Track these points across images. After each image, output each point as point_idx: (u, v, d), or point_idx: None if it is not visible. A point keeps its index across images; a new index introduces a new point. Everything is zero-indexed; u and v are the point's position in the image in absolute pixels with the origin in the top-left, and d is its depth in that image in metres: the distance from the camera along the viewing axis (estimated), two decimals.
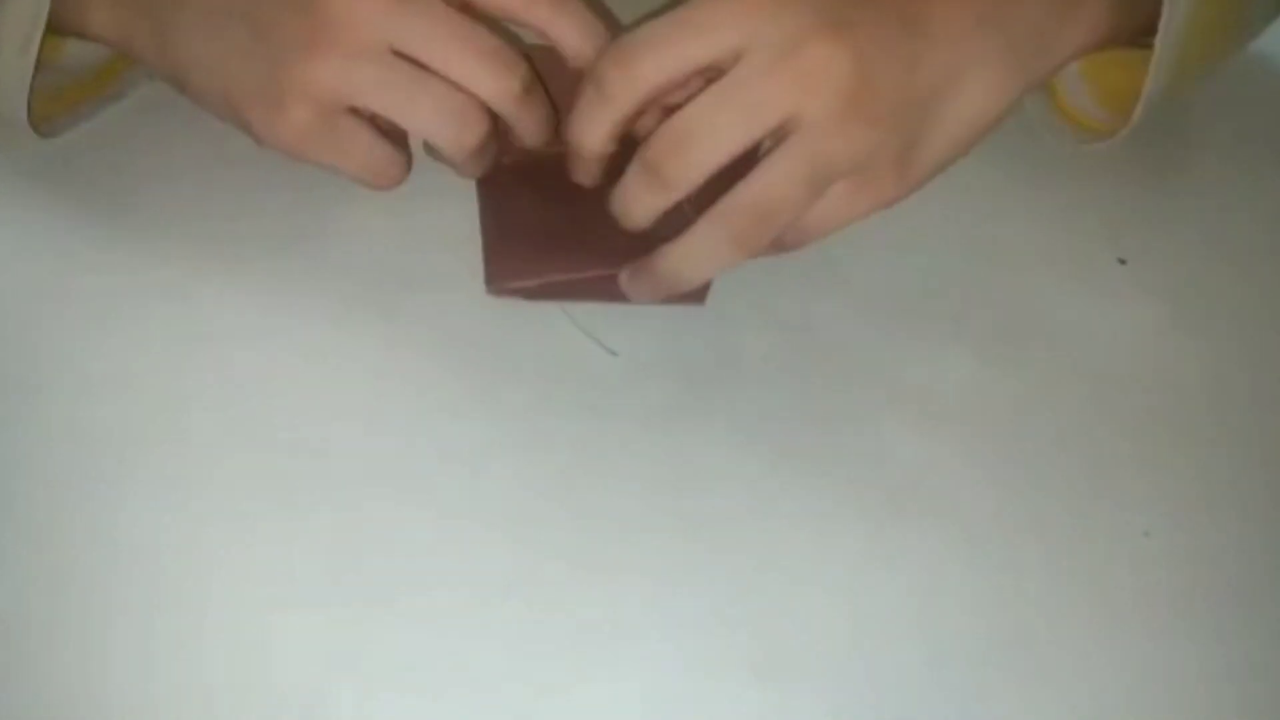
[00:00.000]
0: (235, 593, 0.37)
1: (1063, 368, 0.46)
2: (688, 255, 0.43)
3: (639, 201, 0.42)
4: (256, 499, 0.39)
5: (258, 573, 0.37)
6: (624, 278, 0.45)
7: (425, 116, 0.43)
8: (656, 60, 0.41)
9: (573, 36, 0.44)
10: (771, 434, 0.43)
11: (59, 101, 0.48)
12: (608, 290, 0.45)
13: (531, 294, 0.45)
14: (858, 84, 0.40)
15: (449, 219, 0.47)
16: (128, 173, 0.48)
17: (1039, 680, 0.38)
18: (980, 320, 0.47)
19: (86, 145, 0.49)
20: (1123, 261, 0.50)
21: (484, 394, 0.43)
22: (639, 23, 0.42)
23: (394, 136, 0.45)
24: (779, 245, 0.44)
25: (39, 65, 0.44)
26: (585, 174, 0.45)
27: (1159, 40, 0.46)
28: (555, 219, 0.47)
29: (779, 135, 0.41)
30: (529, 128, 0.45)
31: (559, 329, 0.45)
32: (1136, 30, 0.48)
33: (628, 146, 0.43)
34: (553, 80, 0.46)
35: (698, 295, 0.46)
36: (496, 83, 0.43)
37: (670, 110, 0.42)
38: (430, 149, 0.46)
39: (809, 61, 0.40)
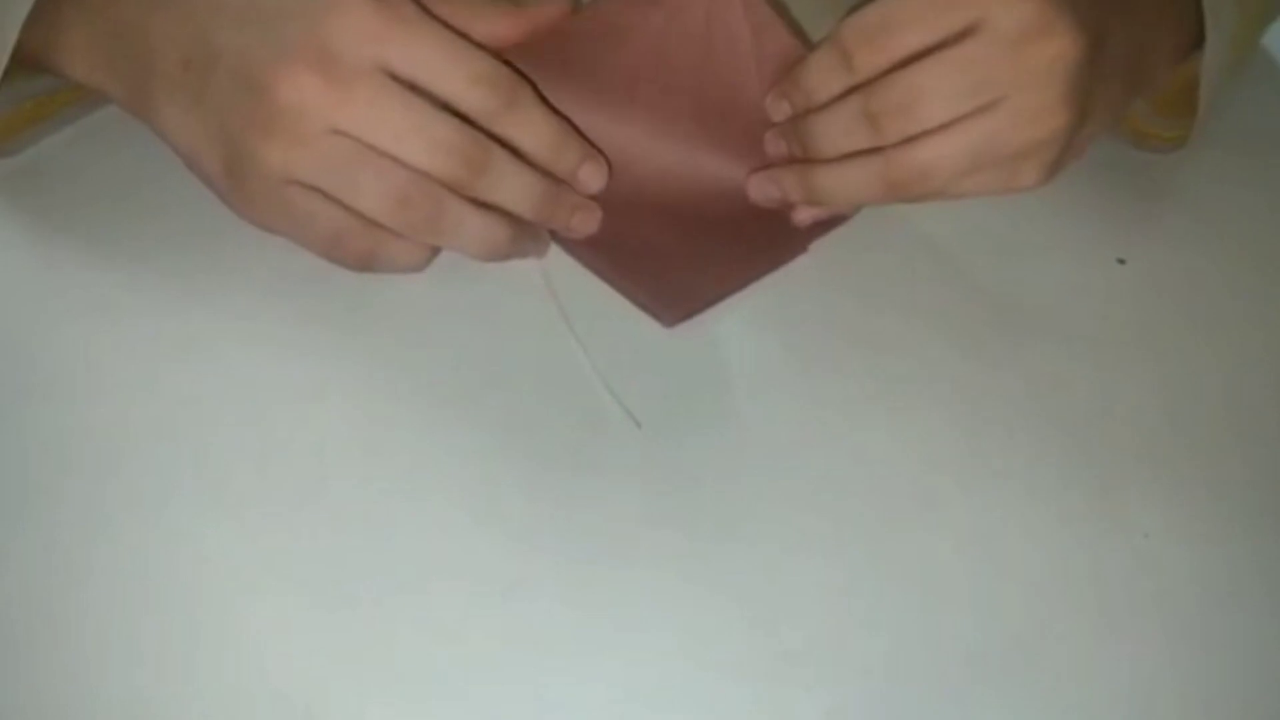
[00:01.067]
0: (235, 593, 0.37)
1: (1062, 368, 0.46)
2: (842, 181, 0.46)
3: (847, 139, 0.45)
4: (256, 501, 0.39)
5: (258, 573, 0.38)
6: (755, 179, 0.49)
7: (367, 197, 0.42)
8: (903, 41, 0.44)
9: (530, 143, 0.45)
10: (768, 435, 0.43)
11: (28, 115, 0.48)
12: (758, 273, 0.47)
13: (698, 311, 0.46)
14: (1076, 80, 0.44)
15: None
16: (126, 172, 0.48)
17: (1039, 681, 0.38)
18: (980, 320, 0.47)
19: (84, 145, 0.49)
20: (1122, 261, 0.50)
21: (482, 396, 0.43)
22: None
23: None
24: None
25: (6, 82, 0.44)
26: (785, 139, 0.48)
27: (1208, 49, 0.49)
28: (677, 235, 0.48)
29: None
30: (497, 196, 0.44)
31: (558, 332, 0.45)
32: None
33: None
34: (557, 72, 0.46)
35: (802, 244, 0.48)
36: (439, 167, 0.42)
37: None
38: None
39: (1038, 55, 0.44)
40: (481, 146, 0.43)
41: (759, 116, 0.48)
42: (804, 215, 0.48)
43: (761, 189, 0.49)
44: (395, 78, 0.42)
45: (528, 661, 0.36)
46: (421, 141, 0.42)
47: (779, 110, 0.48)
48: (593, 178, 0.47)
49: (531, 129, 0.45)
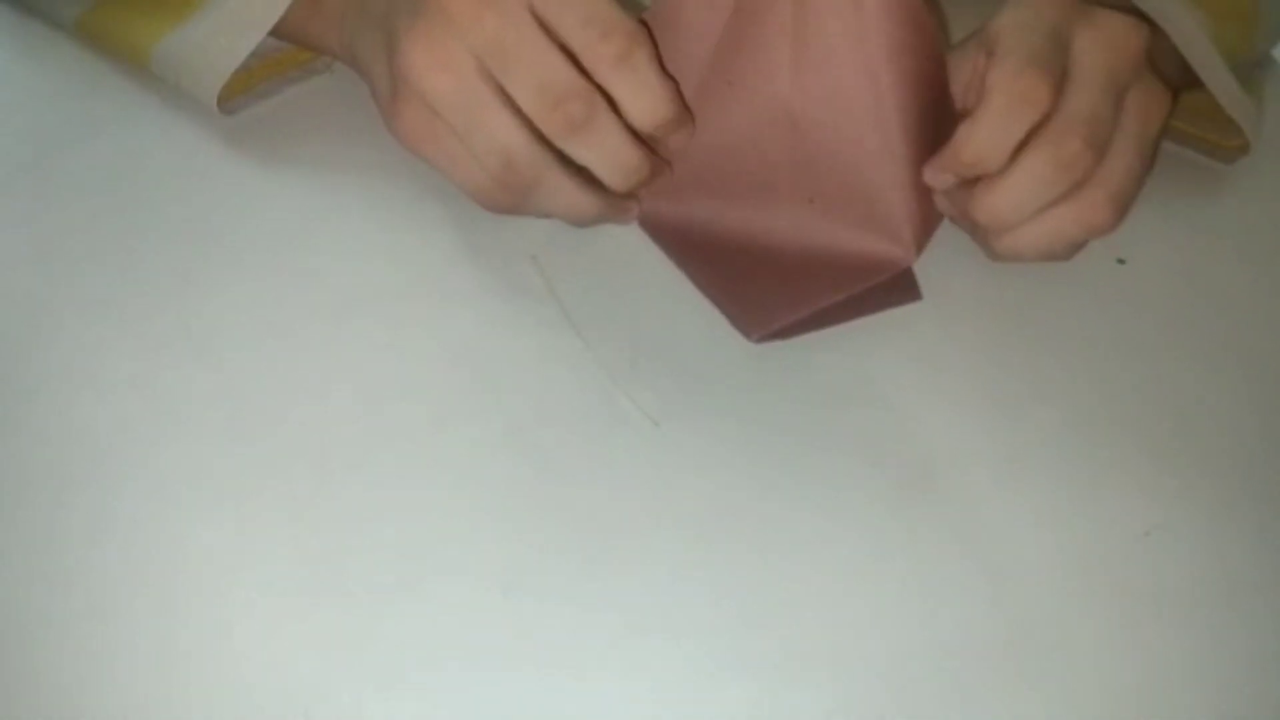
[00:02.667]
0: (235, 593, 0.37)
1: (1062, 367, 0.46)
2: (1022, 185, 0.44)
3: (1047, 194, 0.44)
4: (256, 500, 0.39)
5: (258, 573, 0.38)
6: (939, 199, 0.47)
7: (480, 144, 0.43)
8: (1059, 70, 0.44)
9: (635, 105, 0.44)
10: (770, 434, 0.43)
11: (244, 80, 0.50)
12: (853, 309, 0.46)
13: (789, 331, 0.45)
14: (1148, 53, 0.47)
15: (450, 225, 0.47)
16: (124, 172, 0.48)
17: (1038, 680, 0.37)
18: (980, 319, 0.47)
19: (82, 144, 0.49)
20: (1122, 261, 0.50)
21: (483, 395, 0.43)
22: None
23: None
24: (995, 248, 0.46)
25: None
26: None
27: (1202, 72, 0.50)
28: (770, 250, 0.47)
29: None
30: (588, 157, 0.44)
31: (558, 332, 0.45)
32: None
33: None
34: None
35: (913, 290, 0.47)
36: (538, 110, 0.42)
37: None
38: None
39: (1130, 51, 0.46)
40: (588, 103, 0.43)
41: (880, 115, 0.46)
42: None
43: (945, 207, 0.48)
44: (538, 17, 0.42)
45: (529, 660, 0.36)
46: (530, 81, 0.42)
47: (941, 181, 0.46)
48: (680, 141, 0.46)
49: (637, 89, 0.43)
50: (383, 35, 0.45)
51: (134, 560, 0.37)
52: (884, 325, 0.46)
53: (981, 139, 0.44)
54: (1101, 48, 0.45)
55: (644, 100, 0.43)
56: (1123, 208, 0.45)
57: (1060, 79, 0.44)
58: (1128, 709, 0.37)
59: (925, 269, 0.48)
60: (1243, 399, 0.46)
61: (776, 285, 0.46)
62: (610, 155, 0.44)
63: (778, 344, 0.45)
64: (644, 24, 0.45)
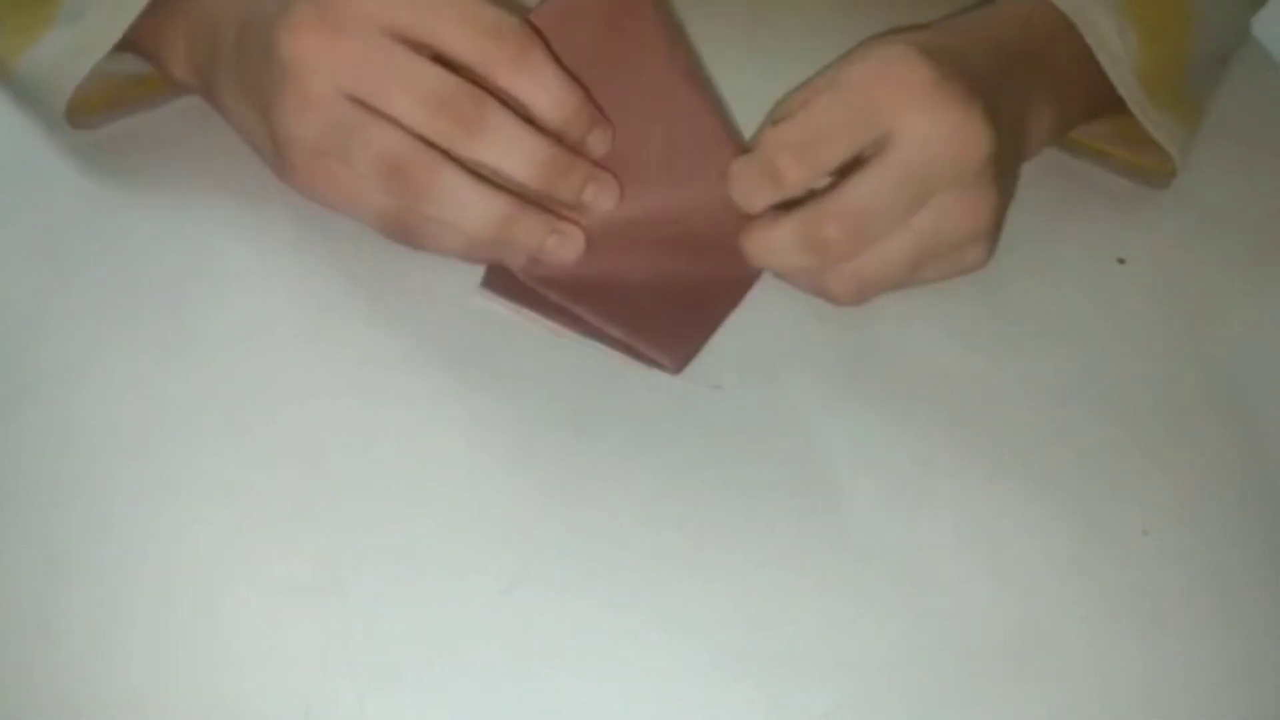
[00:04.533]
0: (234, 594, 0.37)
1: (1062, 366, 0.46)
2: (767, 246, 0.44)
3: (792, 259, 0.44)
4: (255, 502, 0.39)
5: (257, 574, 0.38)
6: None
7: (360, 162, 0.42)
8: (828, 155, 0.43)
9: (542, 100, 0.42)
10: (767, 434, 0.43)
11: (104, 93, 0.48)
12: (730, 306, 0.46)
13: (696, 350, 0.45)
14: (995, 165, 0.44)
15: None
16: (124, 174, 0.48)
17: (1038, 679, 0.38)
18: (981, 319, 0.47)
19: (81, 146, 0.49)
20: (1122, 261, 0.50)
21: (480, 399, 0.43)
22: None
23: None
24: (831, 294, 0.45)
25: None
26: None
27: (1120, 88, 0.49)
28: (657, 277, 0.46)
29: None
30: (496, 157, 0.41)
31: (555, 337, 0.45)
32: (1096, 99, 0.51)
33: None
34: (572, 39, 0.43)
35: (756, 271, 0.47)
36: (427, 123, 0.41)
37: None
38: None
39: (958, 154, 0.43)
40: (476, 100, 0.41)
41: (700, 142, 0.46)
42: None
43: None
44: (404, 38, 0.41)
45: (529, 660, 0.36)
46: (408, 95, 0.40)
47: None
48: (599, 143, 0.44)
49: (541, 83, 0.41)
50: (243, 92, 0.44)
51: (132, 560, 0.37)
52: (880, 324, 0.46)
53: (735, 189, 0.44)
54: (923, 142, 0.42)
55: (550, 93, 0.41)
56: (865, 293, 0.45)
57: (828, 160, 0.43)
58: (1127, 709, 0.37)
59: None
60: (1243, 399, 0.46)
61: (671, 313, 0.45)
62: (514, 146, 0.41)
63: (781, 342, 0.45)
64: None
